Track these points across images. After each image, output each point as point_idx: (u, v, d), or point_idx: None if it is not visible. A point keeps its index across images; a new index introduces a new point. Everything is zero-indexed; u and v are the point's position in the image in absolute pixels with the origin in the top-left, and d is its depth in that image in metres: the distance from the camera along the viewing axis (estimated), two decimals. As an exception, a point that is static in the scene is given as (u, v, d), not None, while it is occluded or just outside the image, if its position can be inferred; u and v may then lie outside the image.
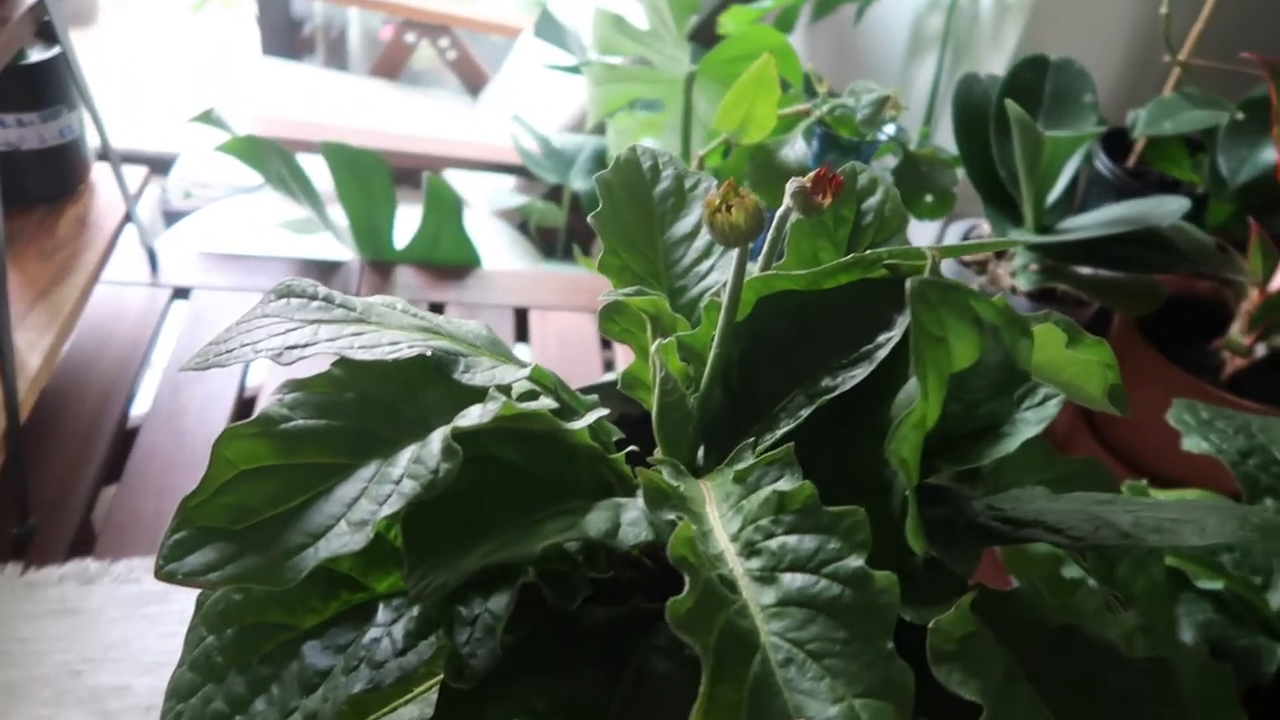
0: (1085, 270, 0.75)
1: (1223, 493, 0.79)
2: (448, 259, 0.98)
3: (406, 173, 1.57)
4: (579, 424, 0.37)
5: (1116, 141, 0.91)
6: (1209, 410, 0.57)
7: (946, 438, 0.35)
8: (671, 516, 0.31)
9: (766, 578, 0.30)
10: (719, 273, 0.47)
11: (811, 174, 0.38)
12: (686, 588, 0.27)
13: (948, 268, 0.84)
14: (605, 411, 0.38)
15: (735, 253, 0.35)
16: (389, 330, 0.38)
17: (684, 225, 0.49)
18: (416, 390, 0.37)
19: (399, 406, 0.36)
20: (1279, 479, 0.52)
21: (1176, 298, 0.82)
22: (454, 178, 1.71)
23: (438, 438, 0.32)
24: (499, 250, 1.46)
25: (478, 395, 0.37)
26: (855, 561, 0.29)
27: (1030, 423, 0.41)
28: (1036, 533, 0.32)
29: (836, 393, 0.35)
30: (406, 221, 0.97)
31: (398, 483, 0.31)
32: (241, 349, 0.35)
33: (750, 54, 0.97)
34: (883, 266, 0.36)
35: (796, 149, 0.79)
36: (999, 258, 0.85)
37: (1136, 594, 0.43)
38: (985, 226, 0.88)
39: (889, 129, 0.80)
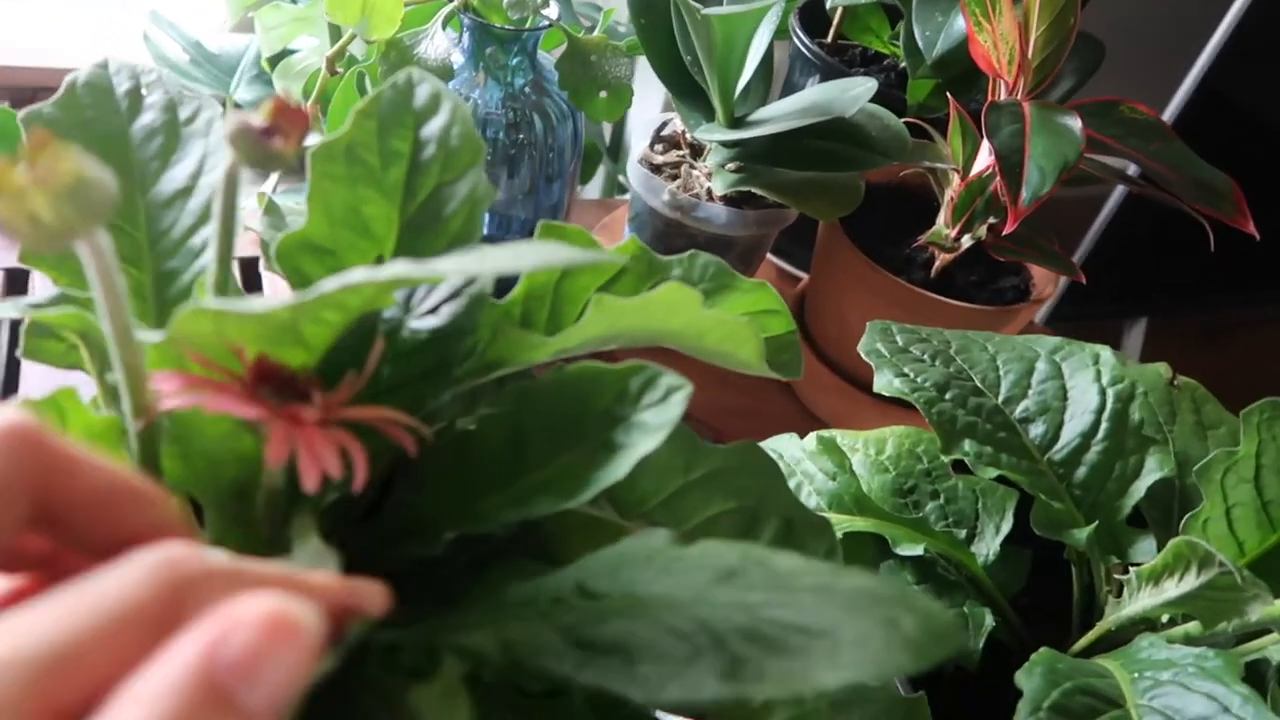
0: (780, 170, 0.65)
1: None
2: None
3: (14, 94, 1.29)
4: None
5: (816, 13, 0.82)
6: (905, 333, 0.49)
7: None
8: None
9: None
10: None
11: (266, 102, 0.25)
12: None
13: (636, 174, 0.73)
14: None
15: (86, 256, 0.20)
16: None
17: (176, 176, 0.34)
18: None
19: None
20: (978, 412, 0.44)
21: (885, 188, 0.75)
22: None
23: None
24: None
25: None
26: None
27: (650, 428, 0.30)
28: (612, 676, 0.21)
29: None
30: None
31: None
32: None
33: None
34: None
35: (437, 44, 0.64)
36: (695, 157, 0.75)
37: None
38: (678, 121, 0.77)
39: (550, 12, 0.67)
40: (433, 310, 0.31)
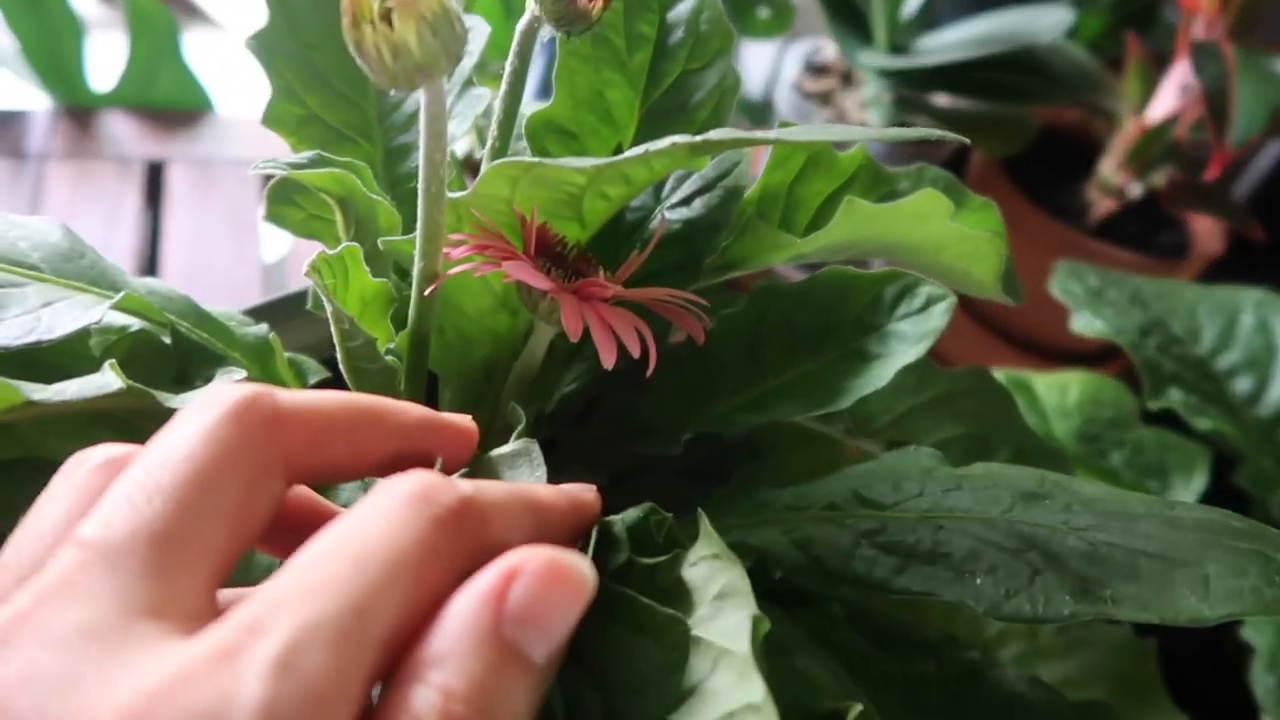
0: (944, 101, 0.62)
1: (1094, 351, 0.71)
2: (170, 101, 0.76)
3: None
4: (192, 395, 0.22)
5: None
6: (1097, 276, 0.47)
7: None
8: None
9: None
10: (460, 121, 0.31)
11: (571, -43, 0.23)
12: None
13: (786, 100, 0.71)
14: (238, 375, 0.23)
15: (423, 101, 0.19)
16: None
17: (407, 49, 0.33)
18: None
19: None
20: (1182, 363, 0.42)
21: (1040, 130, 0.72)
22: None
23: None
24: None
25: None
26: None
27: (908, 339, 0.28)
28: (942, 584, 0.20)
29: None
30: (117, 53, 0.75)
31: None
32: None
33: None
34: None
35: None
36: (845, 86, 0.72)
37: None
38: (829, 48, 0.74)
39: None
40: (684, 202, 0.29)
